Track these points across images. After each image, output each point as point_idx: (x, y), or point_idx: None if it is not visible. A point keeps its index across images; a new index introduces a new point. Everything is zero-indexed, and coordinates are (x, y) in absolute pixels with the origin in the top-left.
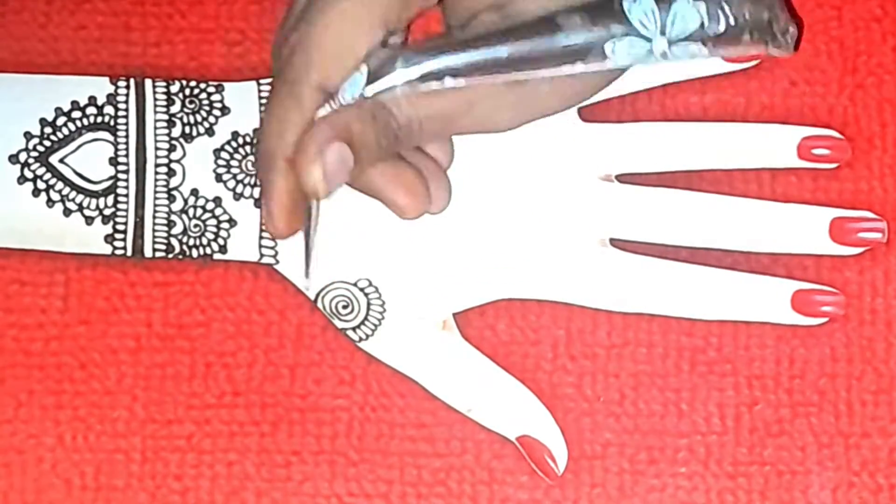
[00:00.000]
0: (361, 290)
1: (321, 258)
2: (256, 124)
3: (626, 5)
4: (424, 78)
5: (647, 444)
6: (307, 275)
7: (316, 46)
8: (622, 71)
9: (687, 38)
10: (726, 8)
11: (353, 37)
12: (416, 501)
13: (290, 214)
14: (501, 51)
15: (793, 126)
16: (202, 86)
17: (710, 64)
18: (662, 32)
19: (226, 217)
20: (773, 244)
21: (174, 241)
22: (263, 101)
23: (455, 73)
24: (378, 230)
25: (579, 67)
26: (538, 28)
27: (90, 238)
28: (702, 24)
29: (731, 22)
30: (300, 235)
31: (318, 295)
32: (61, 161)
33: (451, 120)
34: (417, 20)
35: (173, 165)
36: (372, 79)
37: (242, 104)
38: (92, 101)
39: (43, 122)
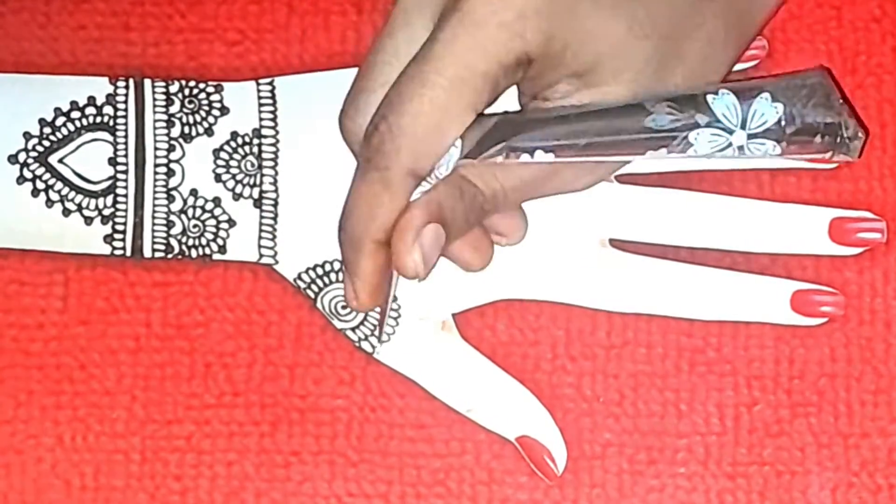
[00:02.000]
0: None
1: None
2: (255, 124)
3: (709, 98)
4: (517, 149)
5: (647, 444)
6: (380, 341)
7: (407, 135)
8: None
9: (764, 135)
10: (801, 110)
11: (444, 125)
12: (416, 501)
13: (375, 292)
14: (591, 132)
15: None
16: (201, 86)
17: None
18: (742, 126)
19: (225, 217)
20: (773, 244)
21: (173, 242)
22: (262, 101)
23: (546, 147)
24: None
25: (661, 154)
26: (628, 112)
27: (89, 238)
28: (779, 122)
29: (806, 121)
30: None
31: (317, 295)
32: (60, 161)
33: (534, 188)
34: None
35: (172, 165)
36: (470, 155)
37: (241, 104)
38: (91, 101)
39: (42, 122)
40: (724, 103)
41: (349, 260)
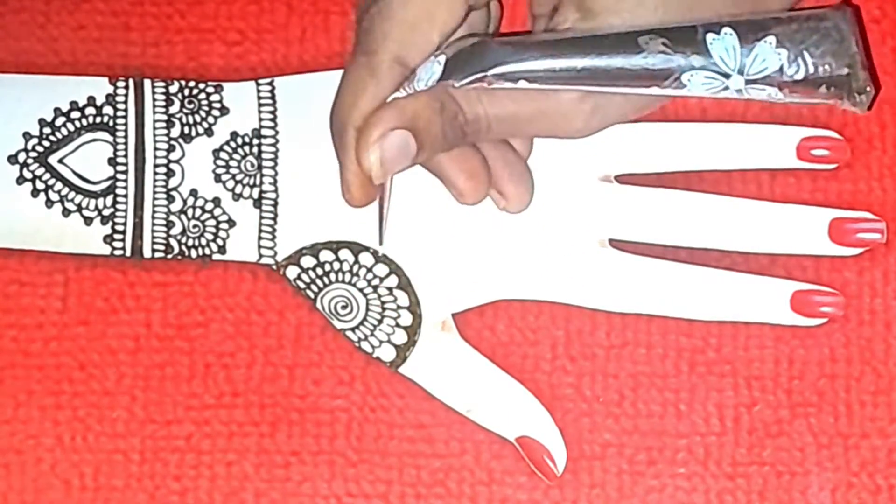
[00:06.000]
0: (360, 290)
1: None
2: (255, 124)
3: (709, 38)
4: (498, 78)
5: (647, 444)
6: (381, 242)
7: (395, 19)
8: None
9: (764, 81)
10: (807, 57)
11: (435, 13)
12: (415, 502)
13: (365, 184)
14: (580, 62)
15: (792, 126)
16: (201, 86)
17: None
18: (741, 72)
19: (225, 217)
20: (773, 245)
21: (173, 242)
22: (262, 101)
23: (530, 77)
24: (377, 232)
25: (654, 91)
26: (620, 45)
27: (89, 238)
28: (780, 69)
29: (810, 71)
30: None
31: (317, 295)
32: (60, 161)
33: (520, 123)
34: None
35: (172, 166)
36: (447, 72)
37: (241, 104)
38: (91, 101)
39: (42, 122)
40: (723, 45)
41: (338, 148)
